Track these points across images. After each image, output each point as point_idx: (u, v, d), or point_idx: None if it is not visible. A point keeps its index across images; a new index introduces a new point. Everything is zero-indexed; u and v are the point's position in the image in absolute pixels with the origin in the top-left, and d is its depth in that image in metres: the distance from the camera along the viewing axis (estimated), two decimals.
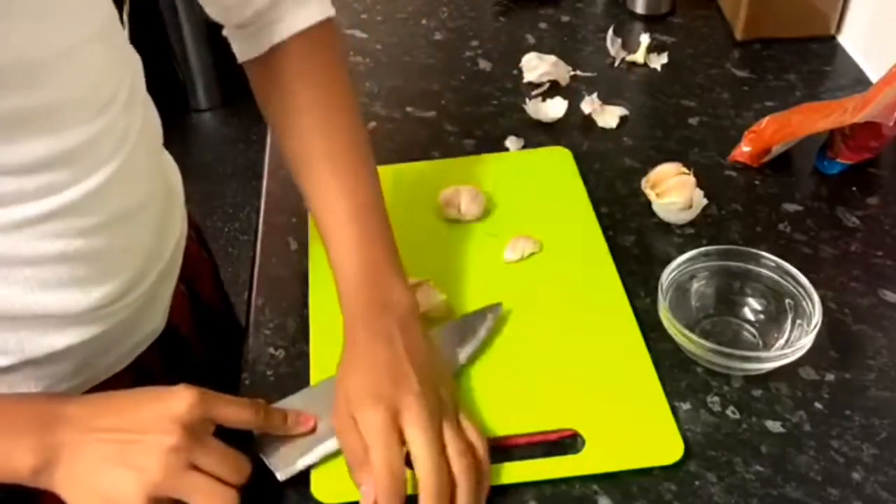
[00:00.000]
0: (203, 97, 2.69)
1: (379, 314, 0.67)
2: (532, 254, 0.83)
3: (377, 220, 0.71)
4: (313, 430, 0.66)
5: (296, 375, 0.74)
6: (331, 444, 0.66)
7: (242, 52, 0.75)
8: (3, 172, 0.55)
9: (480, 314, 0.76)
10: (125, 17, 2.28)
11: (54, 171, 0.58)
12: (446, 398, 0.64)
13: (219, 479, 0.58)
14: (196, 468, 0.57)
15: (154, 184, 0.71)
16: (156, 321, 0.74)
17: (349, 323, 0.68)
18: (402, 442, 0.61)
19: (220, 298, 0.93)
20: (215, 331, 0.87)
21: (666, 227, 0.86)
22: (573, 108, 1.01)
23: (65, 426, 0.57)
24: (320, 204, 0.71)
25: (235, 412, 0.62)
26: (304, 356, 0.75)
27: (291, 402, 0.68)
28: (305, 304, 0.79)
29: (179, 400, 0.58)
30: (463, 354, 0.73)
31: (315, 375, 0.73)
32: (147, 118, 0.70)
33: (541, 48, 1.12)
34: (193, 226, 0.86)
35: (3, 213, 0.56)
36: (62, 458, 0.56)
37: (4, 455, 0.56)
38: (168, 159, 0.79)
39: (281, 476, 0.64)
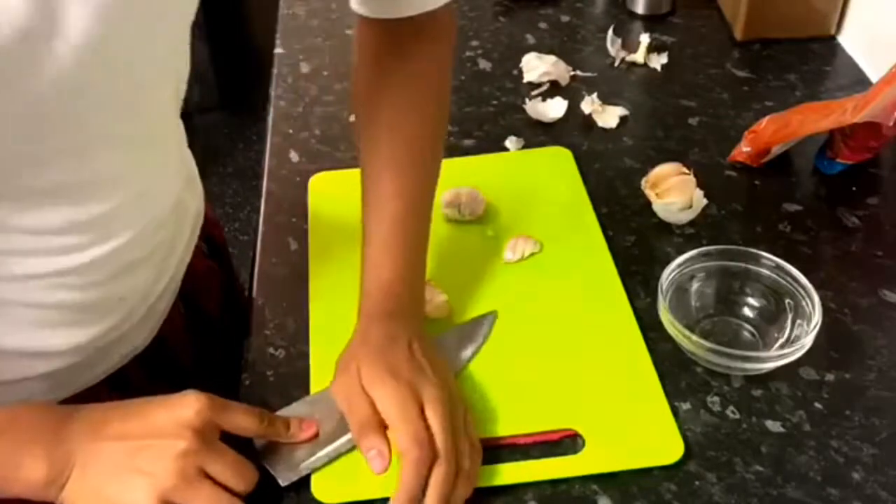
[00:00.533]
0: (203, 97, 2.69)
1: (396, 321, 0.68)
2: (532, 254, 0.83)
3: (420, 225, 0.72)
4: (316, 437, 0.66)
5: (296, 375, 0.74)
6: (332, 450, 0.66)
7: (364, 4, 0.71)
8: (23, 232, 0.56)
9: (476, 323, 0.76)
10: None
11: (74, 235, 0.58)
12: (456, 397, 0.66)
13: (226, 486, 0.58)
14: (205, 474, 0.57)
15: (166, 232, 0.70)
16: (141, 339, 0.73)
17: (364, 320, 0.69)
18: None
19: (230, 306, 0.90)
20: (215, 340, 0.85)
21: (666, 227, 0.86)
22: (573, 108, 1.01)
23: (75, 435, 0.57)
24: (371, 194, 0.72)
25: (241, 419, 0.62)
26: (304, 356, 0.75)
27: (293, 410, 0.68)
28: (305, 304, 0.79)
29: (188, 406, 0.58)
30: (461, 362, 0.73)
31: (315, 375, 0.73)
32: (182, 166, 0.71)
33: (541, 48, 1.12)
34: (206, 236, 0.83)
35: (18, 264, 0.57)
36: (74, 468, 0.56)
37: (16, 466, 0.55)
38: (191, 178, 0.77)
39: (283, 481, 0.64)
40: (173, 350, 0.78)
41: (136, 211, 0.63)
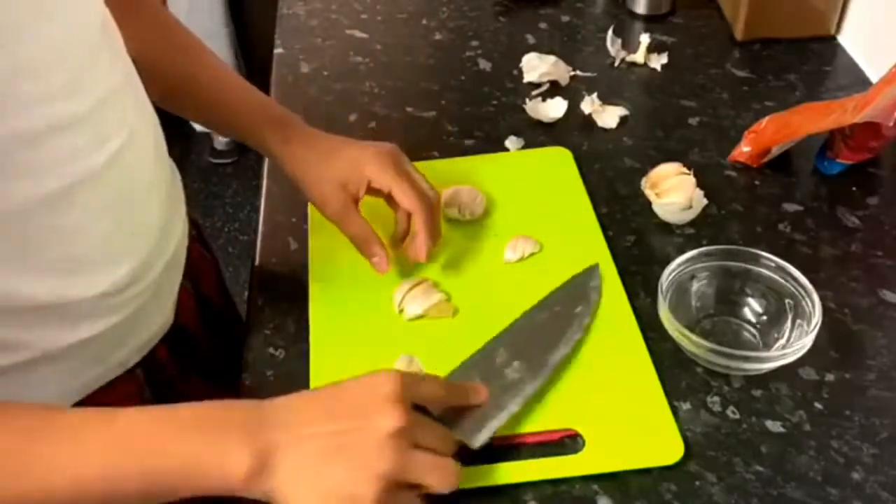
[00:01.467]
0: None
1: (315, 131, 0.80)
2: (532, 254, 0.83)
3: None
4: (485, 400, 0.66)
5: (296, 375, 0.74)
6: (512, 407, 0.68)
7: None
8: (58, 127, 0.57)
9: (581, 279, 0.79)
10: None
11: (76, 133, 0.59)
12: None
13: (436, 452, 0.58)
14: (416, 446, 0.56)
15: (159, 168, 0.72)
16: (164, 315, 0.75)
17: (290, 148, 0.79)
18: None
19: (223, 296, 0.94)
20: (219, 328, 0.88)
21: (666, 227, 0.86)
22: (573, 108, 1.01)
23: (275, 426, 0.55)
24: (208, 86, 0.81)
25: (431, 389, 0.62)
26: (304, 356, 0.75)
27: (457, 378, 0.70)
28: (305, 304, 0.79)
29: (388, 382, 0.56)
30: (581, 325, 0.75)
31: (315, 375, 0.73)
32: (145, 109, 0.71)
33: (541, 48, 1.12)
34: (194, 225, 0.86)
35: (41, 183, 0.57)
36: (278, 459, 0.53)
37: (219, 455, 0.53)
38: (171, 161, 0.79)
39: (475, 444, 0.65)
40: (194, 336, 0.80)
41: (116, 116, 0.64)
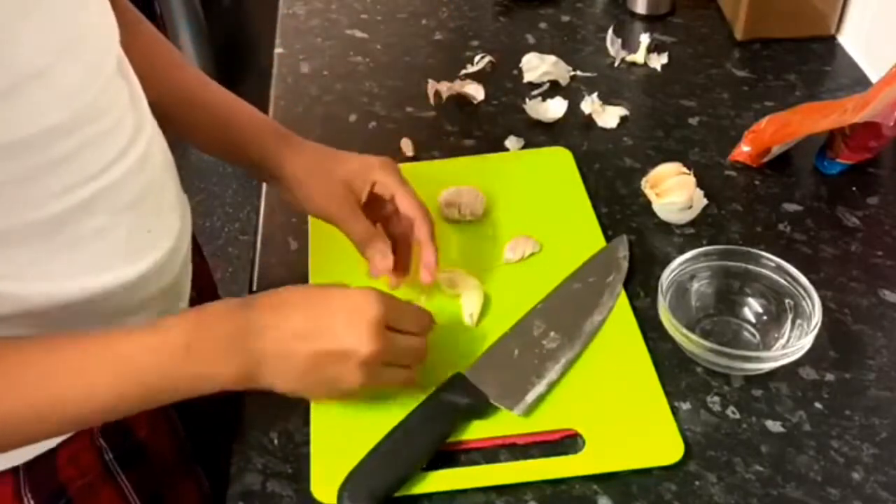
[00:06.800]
0: None
1: (308, 142, 0.81)
2: (532, 254, 0.83)
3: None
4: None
5: None
6: (552, 374, 0.71)
7: None
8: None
9: (610, 250, 0.82)
10: None
11: (104, 147, 0.62)
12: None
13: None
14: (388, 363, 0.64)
15: (168, 172, 0.74)
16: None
17: (290, 157, 0.78)
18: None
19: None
20: None
21: (666, 227, 0.86)
22: (573, 108, 1.01)
23: (263, 336, 0.61)
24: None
25: (411, 320, 0.67)
26: None
27: (492, 359, 0.73)
28: None
29: (371, 307, 0.62)
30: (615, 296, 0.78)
31: None
32: (154, 124, 0.73)
33: (541, 48, 1.12)
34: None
35: (73, 194, 0.60)
36: (263, 367, 0.61)
37: (212, 370, 0.60)
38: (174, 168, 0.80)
39: (518, 411, 0.69)
40: None
41: (130, 130, 0.66)
